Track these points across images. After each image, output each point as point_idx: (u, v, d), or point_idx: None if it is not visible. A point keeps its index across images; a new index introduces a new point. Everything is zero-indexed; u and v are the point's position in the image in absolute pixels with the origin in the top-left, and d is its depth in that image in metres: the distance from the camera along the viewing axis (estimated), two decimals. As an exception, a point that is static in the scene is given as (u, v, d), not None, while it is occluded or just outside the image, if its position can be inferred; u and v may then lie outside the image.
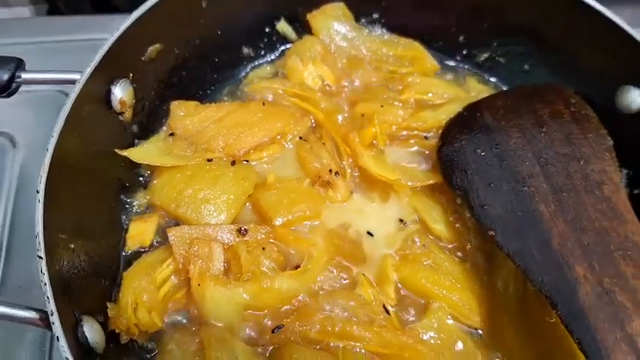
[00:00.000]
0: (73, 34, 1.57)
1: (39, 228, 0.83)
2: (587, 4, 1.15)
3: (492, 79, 1.40)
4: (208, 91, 1.33)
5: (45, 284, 0.80)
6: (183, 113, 1.17)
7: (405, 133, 1.24)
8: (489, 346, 1.02)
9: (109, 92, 1.04)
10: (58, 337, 0.77)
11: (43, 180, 0.86)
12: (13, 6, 1.88)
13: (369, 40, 1.35)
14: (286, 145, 1.21)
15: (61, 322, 0.78)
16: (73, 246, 0.92)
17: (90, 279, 0.96)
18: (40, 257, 0.81)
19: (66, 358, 0.76)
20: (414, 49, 1.34)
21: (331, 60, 1.31)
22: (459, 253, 1.10)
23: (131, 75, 1.08)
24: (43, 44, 1.55)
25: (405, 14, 1.36)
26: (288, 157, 1.20)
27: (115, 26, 1.04)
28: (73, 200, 0.95)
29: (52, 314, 0.78)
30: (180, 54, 1.20)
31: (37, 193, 0.85)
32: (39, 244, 0.82)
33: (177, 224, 1.07)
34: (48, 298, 0.79)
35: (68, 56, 1.47)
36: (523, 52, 1.33)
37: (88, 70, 0.97)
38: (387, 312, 1.01)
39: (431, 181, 1.15)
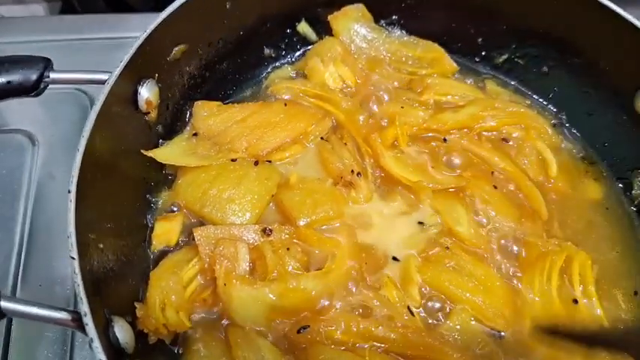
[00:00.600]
0: (91, 33, 1.57)
1: (71, 228, 0.82)
2: (604, 5, 1.15)
3: (512, 82, 1.40)
4: (230, 92, 1.33)
5: (78, 285, 0.79)
6: (207, 113, 1.18)
7: (425, 135, 1.24)
8: (512, 347, 1.02)
9: (135, 92, 1.04)
10: (92, 339, 0.76)
11: (75, 180, 0.86)
12: (28, 3, 1.88)
13: (389, 41, 1.35)
14: (308, 146, 1.22)
15: (94, 323, 0.77)
16: (102, 246, 0.91)
17: (118, 279, 0.96)
18: (73, 258, 0.80)
19: (99, 359, 0.75)
20: (433, 50, 1.35)
21: (351, 61, 1.31)
22: (483, 255, 1.10)
23: (157, 75, 1.08)
24: (61, 42, 1.55)
25: (424, 16, 1.36)
26: (310, 158, 1.20)
27: (133, 26, 1.04)
28: (101, 200, 0.95)
29: (85, 315, 0.77)
30: (203, 55, 1.21)
31: (69, 193, 0.84)
32: (71, 244, 0.81)
33: (201, 223, 1.08)
34: (81, 299, 0.78)
35: (87, 55, 1.49)
36: (541, 54, 1.34)
37: (117, 71, 0.97)
38: (412, 313, 1.02)
39: (452, 185, 1.16)
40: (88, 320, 0.77)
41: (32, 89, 0.97)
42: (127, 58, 0.99)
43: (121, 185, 1.04)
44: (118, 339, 0.84)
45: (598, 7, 1.16)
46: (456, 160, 1.21)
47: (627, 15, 1.13)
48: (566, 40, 1.27)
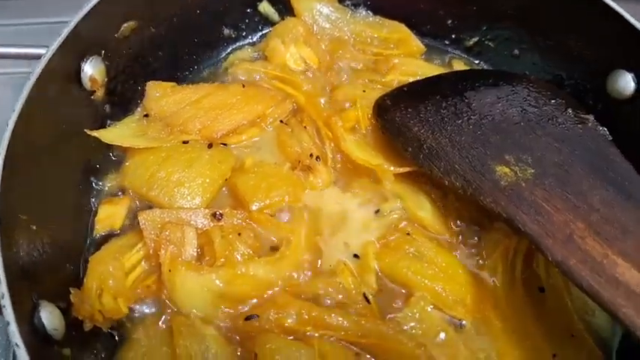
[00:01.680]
0: (42, 17, 1.51)
1: (-7, 205, 0.78)
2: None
3: (483, 65, 1.35)
4: (187, 73, 1.28)
5: (-2, 265, 0.75)
6: (159, 94, 1.13)
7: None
8: (473, 336, 0.97)
9: (79, 69, 0.99)
10: (8, 322, 0.72)
11: (1, 157, 0.81)
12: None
13: (353, 21, 1.31)
14: (266, 129, 1.17)
15: (13, 307, 0.73)
16: (35, 227, 0.87)
17: (53, 263, 0.91)
18: (-7, 236, 0.76)
19: (15, 343, 0.71)
20: (399, 31, 1.31)
21: (314, 42, 1.27)
22: (446, 242, 1.06)
23: (103, 52, 1.03)
24: (9, 27, 1.50)
25: (392, -4, 1.32)
26: (268, 141, 1.16)
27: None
28: (36, 180, 0.90)
29: (2, 297, 0.73)
30: (156, 33, 1.16)
31: (-6, 169, 0.80)
32: (-8, 222, 0.77)
33: (150, 208, 1.03)
34: (0, 280, 0.74)
35: (37, 38, 1.43)
36: (512, 37, 1.29)
37: (55, 45, 0.92)
38: (368, 301, 0.97)
39: (415, 167, 1.10)
40: (6, 302, 0.73)
41: (-39, 64, 0.93)
42: (65, 32, 0.94)
43: (62, 166, 0.99)
44: (44, 325, 0.79)
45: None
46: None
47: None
48: (538, 22, 1.23)
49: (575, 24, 1.17)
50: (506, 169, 0.99)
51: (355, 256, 1.03)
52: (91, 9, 0.98)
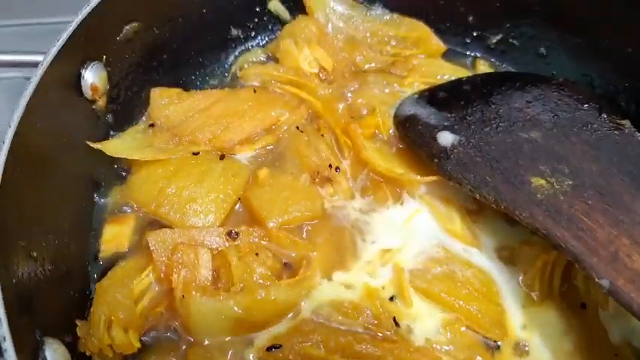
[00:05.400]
0: (39, 17, 1.44)
1: (-9, 234, 0.71)
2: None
3: (506, 65, 1.28)
4: (193, 77, 1.21)
5: (-3, 302, 0.67)
6: (165, 101, 1.06)
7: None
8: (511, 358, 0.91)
9: (79, 77, 0.92)
10: (12, 369, 0.64)
11: (-1, 174, 0.74)
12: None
13: (369, 20, 1.24)
14: (281, 137, 1.10)
15: (16, 348, 0.65)
16: (35, 254, 0.80)
17: (56, 291, 0.84)
18: (-9, 270, 0.69)
19: (21, 392, 0.63)
20: (418, 29, 1.24)
21: (328, 42, 1.20)
22: (478, 257, 0.99)
23: (105, 57, 0.96)
24: (4, 29, 1.42)
25: (409, -8, 1.25)
26: (283, 150, 1.09)
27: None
28: (35, 200, 0.83)
29: (4, 340, 0.65)
30: (160, 34, 1.08)
31: (-9, 190, 0.73)
32: (-11, 254, 0.70)
33: (158, 226, 0.95)
34: (0, 320, 0.66)
35: (35, 40, 1.35)
36: (538, 34, 1.23)
37: (53, 51, 0.85)
38: (397, 324, 0.91)
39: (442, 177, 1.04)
40: (8, 346, 0.66)
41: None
42: (64, 36, 0.87)
43: (63, 183, 0.92)
44: (49, 366, 0.71)
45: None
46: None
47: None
48: (566, 17, 1.16)
49: (606, 18, 1.10)
50: (542, 181, 0.92)
51: (383, 276, 0.96)
52: (91, 10, 0.89)
